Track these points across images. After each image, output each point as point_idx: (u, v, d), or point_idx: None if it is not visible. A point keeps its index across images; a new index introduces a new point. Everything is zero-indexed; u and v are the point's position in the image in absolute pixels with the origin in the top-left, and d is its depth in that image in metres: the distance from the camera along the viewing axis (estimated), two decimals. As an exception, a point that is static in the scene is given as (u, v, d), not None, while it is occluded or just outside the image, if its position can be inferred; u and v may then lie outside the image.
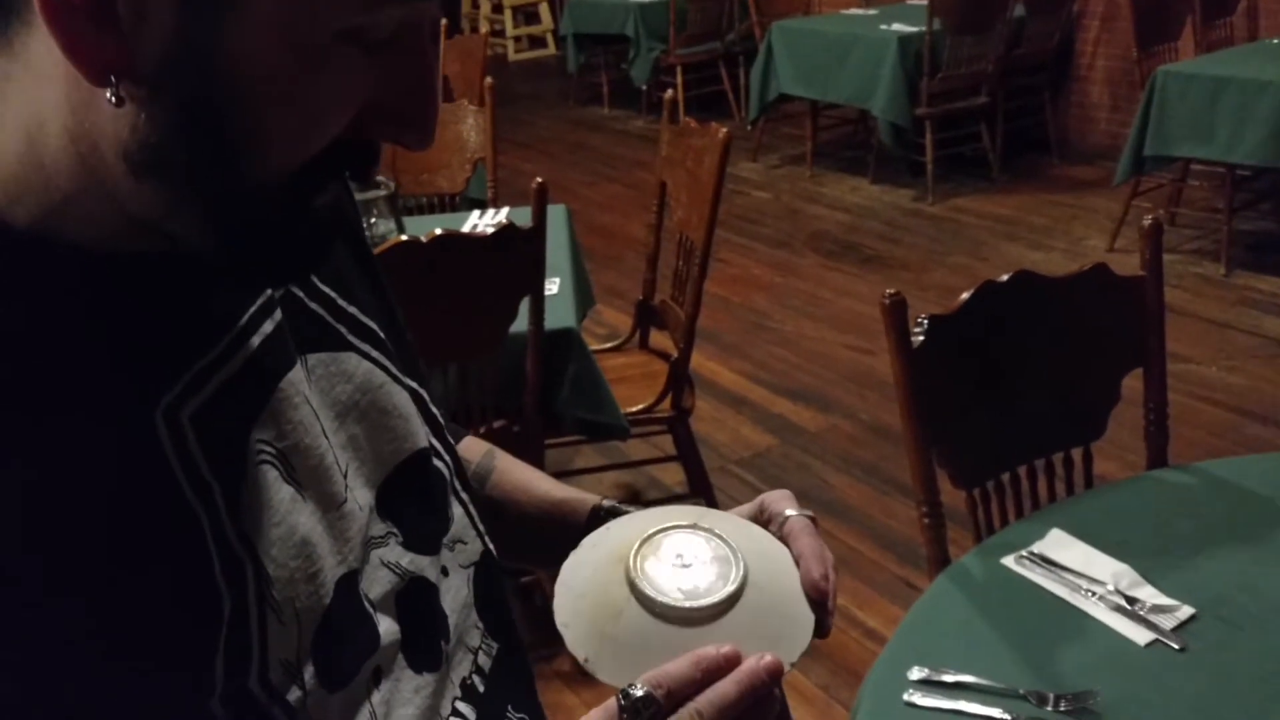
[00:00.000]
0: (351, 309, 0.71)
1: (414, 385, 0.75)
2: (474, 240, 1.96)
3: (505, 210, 2.74)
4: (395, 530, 0.70)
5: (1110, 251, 4.43)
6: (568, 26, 7.48)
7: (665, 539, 0.67)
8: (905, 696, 1.10)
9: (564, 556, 0.69)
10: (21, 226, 0.52)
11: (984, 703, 1.09)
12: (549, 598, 0.66)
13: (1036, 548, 1.32)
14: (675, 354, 2.54)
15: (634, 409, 2.42)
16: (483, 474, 0.89)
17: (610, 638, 0.63)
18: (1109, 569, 1.26)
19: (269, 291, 0.63)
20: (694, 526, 0.68)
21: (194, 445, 0.55)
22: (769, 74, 5.71)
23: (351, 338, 0.70)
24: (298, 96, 0.50)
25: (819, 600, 0.67)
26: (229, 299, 0.61)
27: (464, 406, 2.07)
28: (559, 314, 2.16)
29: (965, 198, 5.31)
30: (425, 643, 0.69)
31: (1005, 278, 1.55)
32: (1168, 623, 1.18)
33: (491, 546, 0.79)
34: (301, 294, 0.68)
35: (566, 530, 0.84)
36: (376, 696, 0.64)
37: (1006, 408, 1.58)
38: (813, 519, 0.71)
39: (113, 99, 0.48)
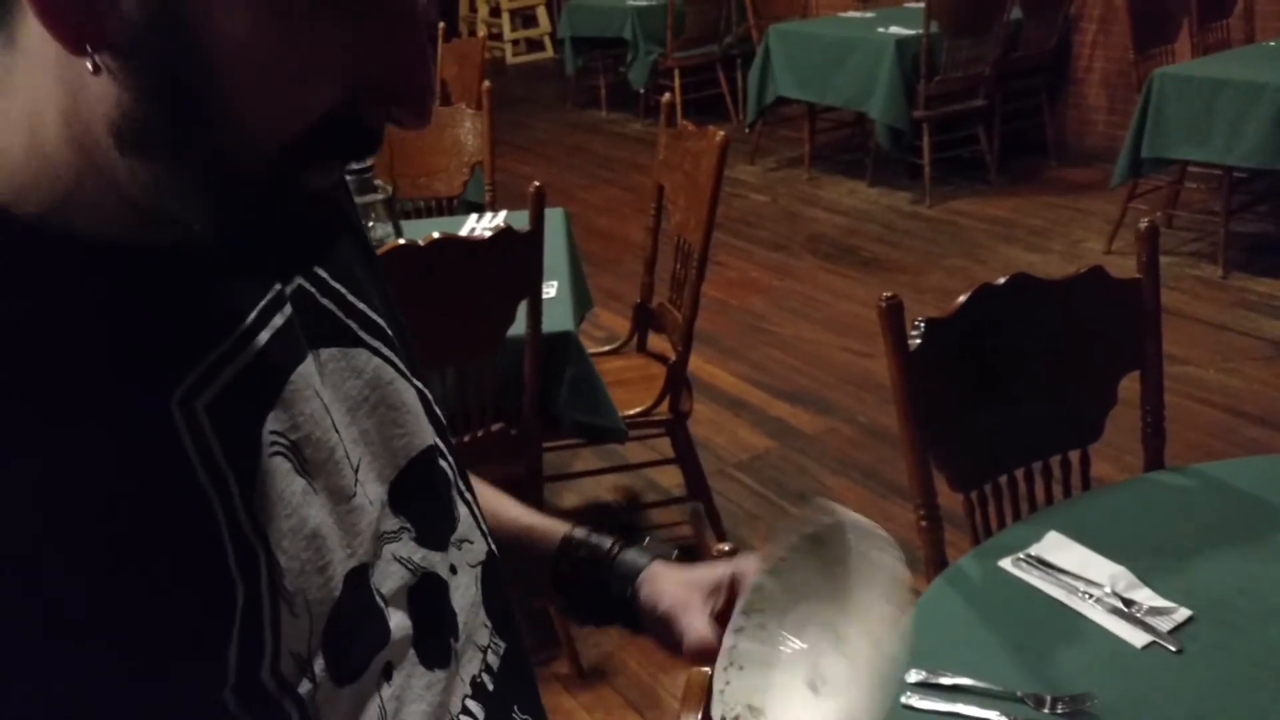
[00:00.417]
0: (361, 305, 0.71)
1: (419, 385, 0.76)
2: (472, 244, 1.96)
3: (503, 214, 2.74)
4: (409, 525, 0.69)
5: (1107, 254, 4.43)
6: (565, 30, 7.49)
7: None
8: (903, 699, 1.11)
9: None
10: (31, 219, 0.52)
11: (981, 705, 1.09)
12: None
13: (1034, 550, 1.32)
14: (673, 357, 2.54)
15: (632, 412, 2.42)
16: None
17: None
18: (1106, 571, 1.26)
19: (278, 286, 0.63)
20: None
21: (210, 435, 0.55)
22: (766, 77, 5.71)
23: (362, 334, 0.70)
24: (278, 65, 0.48)
25: None
26: (239, 292, 0.60)
27: (462, 409, 2.07)
28: (557, 317, 2.17)
29: (962, 200, 5.31)
30: (436, 639, 0.69)
31: (1002, 280, 1.55)
32: (1165, 625, 1.18)
33: (494, 548, 0.79)
34: (313, 289, 0.67)
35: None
36: (387, 691, 0.64)
37: (1004, 410, 1.58)
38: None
39: (91, 67, 0.47)
